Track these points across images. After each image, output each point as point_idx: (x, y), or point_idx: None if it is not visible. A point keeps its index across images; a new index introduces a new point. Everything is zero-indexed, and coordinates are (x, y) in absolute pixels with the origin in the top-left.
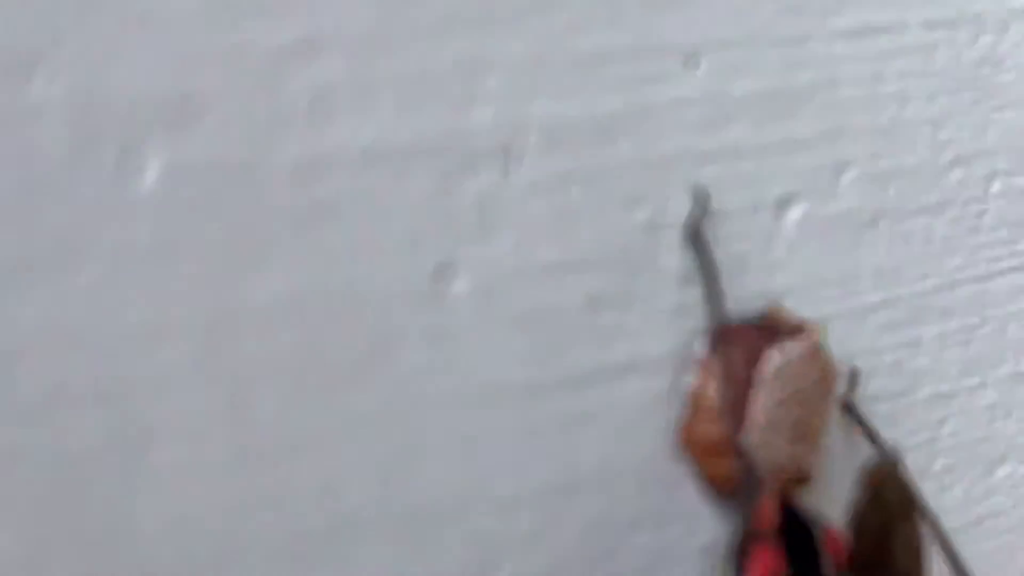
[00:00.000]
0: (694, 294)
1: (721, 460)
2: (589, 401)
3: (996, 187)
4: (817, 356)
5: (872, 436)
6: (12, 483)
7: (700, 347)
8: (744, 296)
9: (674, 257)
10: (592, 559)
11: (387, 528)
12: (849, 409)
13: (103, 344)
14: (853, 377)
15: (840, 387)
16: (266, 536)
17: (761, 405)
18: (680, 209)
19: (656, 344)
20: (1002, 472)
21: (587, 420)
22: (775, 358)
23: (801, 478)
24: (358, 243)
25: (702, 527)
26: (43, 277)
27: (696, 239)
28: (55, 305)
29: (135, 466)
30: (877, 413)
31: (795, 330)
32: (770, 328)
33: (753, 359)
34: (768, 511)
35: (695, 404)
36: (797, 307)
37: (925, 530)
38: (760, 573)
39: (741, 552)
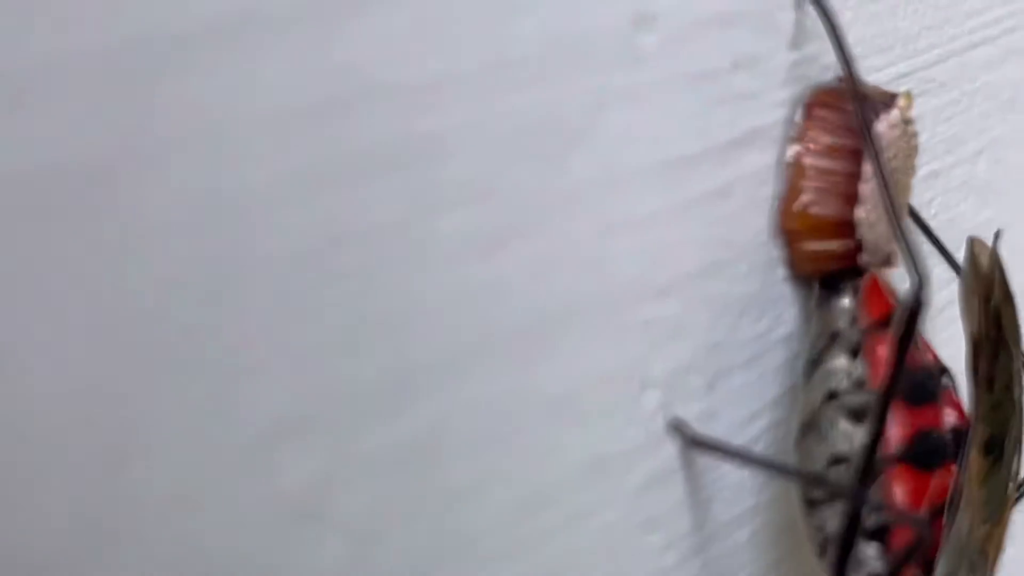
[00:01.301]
0: (802, 56)
1: (816, 240)
2: (723, 175)
3: None
4: (907, 129)
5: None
6: None
7: (799, 116)
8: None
9: (787, 16)
10: (714, 347)
11: (591, 314)
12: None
13: None
14: None
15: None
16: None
17: (868, 180)
18: None
19: (771, 112)
20: None
21: (719, 197)
22: (880, 129)
23: (890, 262)
24: None
25: (787, 315)
26: None
27: None
28: None
29: None
30: None
31: (887, 99)
32: (861, 95)
33: (852, 129)
34: (882, 298)
35: (794, 180)
36: None
37: None
38: (882, 361)
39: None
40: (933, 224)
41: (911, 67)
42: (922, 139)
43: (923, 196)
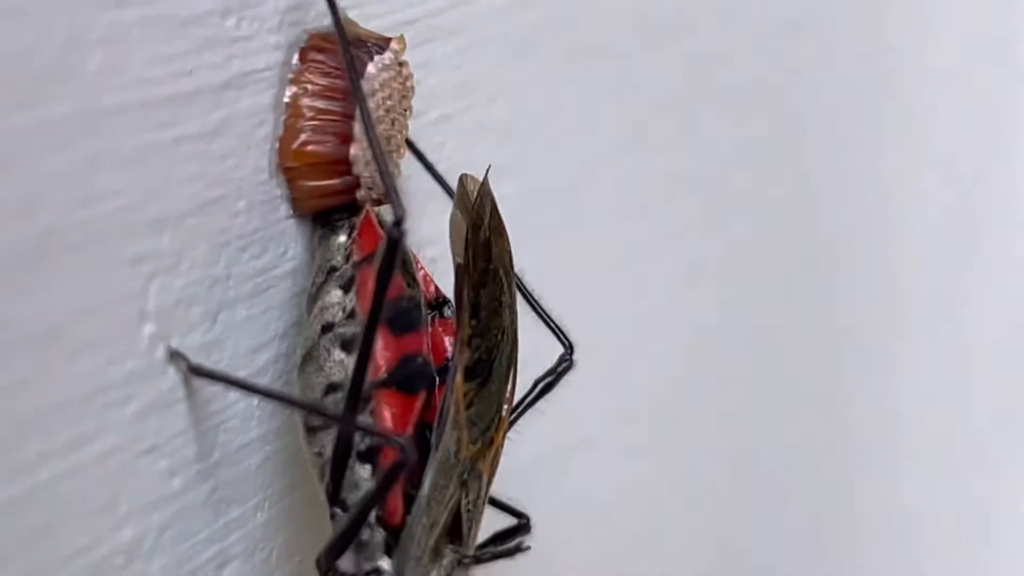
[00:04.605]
0: (295, 3)
1: (315, 178)
2: (215, 116)
3: None
4: (401, 71)
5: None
6: None
7: (296, 59)
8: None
9: None
10: (214, 280)
11: (76, 249)
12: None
13: None
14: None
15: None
16: None
17: (361, 120)
18: None
19: (265, 56)
20: None
21: (212, 136)
22: (371, 71)
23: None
24: None
25: (292, 250)
26: None
27: None
28: None
29: None
30: None
31: (382, 42)
32: (355, 39)
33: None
34: (375, 234)
35: (291, 120)
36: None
37: None
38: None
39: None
40: (448, 165)
41: (416, 15)
42: (432, 84)
43: (434, 139)
